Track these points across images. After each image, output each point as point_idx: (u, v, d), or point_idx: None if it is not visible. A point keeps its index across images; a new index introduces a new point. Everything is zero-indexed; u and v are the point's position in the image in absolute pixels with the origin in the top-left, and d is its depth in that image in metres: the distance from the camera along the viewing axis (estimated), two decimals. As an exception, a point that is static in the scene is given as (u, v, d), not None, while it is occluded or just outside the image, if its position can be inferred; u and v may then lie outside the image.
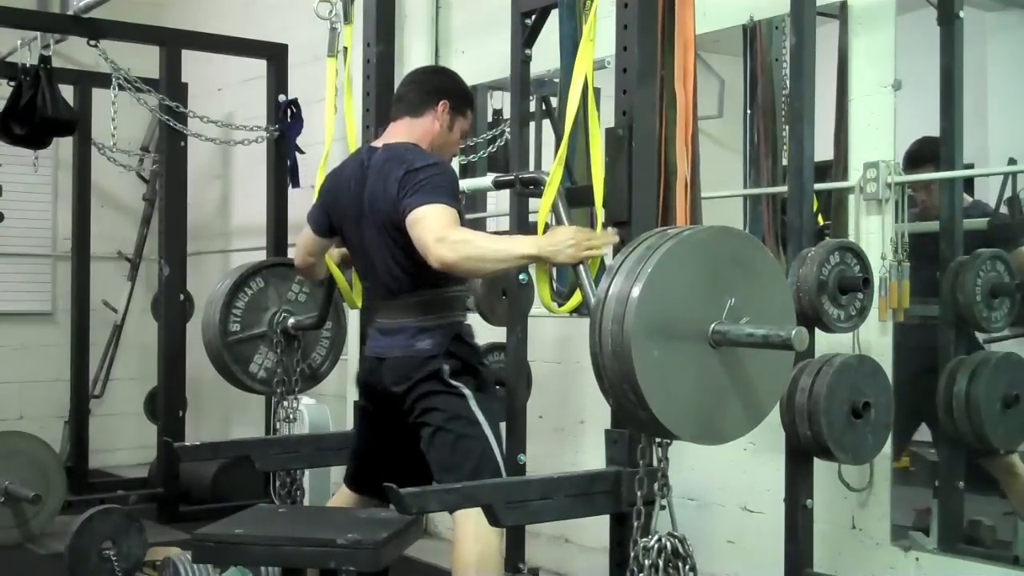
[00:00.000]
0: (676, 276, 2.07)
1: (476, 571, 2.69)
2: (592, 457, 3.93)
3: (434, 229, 2.61)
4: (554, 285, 2.90)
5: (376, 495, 2.98)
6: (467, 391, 2.82)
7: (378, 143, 2.93)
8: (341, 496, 3.15)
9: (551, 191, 2.61)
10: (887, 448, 3.07)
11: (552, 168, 2.62)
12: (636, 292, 2.02)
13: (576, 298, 2.68)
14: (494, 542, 2.73)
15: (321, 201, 3.06)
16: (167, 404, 5.16)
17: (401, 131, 2.91)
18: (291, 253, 4.88)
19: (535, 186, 2.72)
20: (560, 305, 2.85)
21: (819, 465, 2.99)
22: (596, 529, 3.40)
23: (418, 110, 2.91)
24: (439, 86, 2.95)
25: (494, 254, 2.60)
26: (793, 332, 2.00)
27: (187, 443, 3.43)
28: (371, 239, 2.85)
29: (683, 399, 2.08)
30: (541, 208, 2.65)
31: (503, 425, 3.63)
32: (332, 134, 3.40)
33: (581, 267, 2.53)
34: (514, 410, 3.56)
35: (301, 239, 3.16)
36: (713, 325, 2.08)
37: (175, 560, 3.57)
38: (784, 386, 2.44)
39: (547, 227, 2.65)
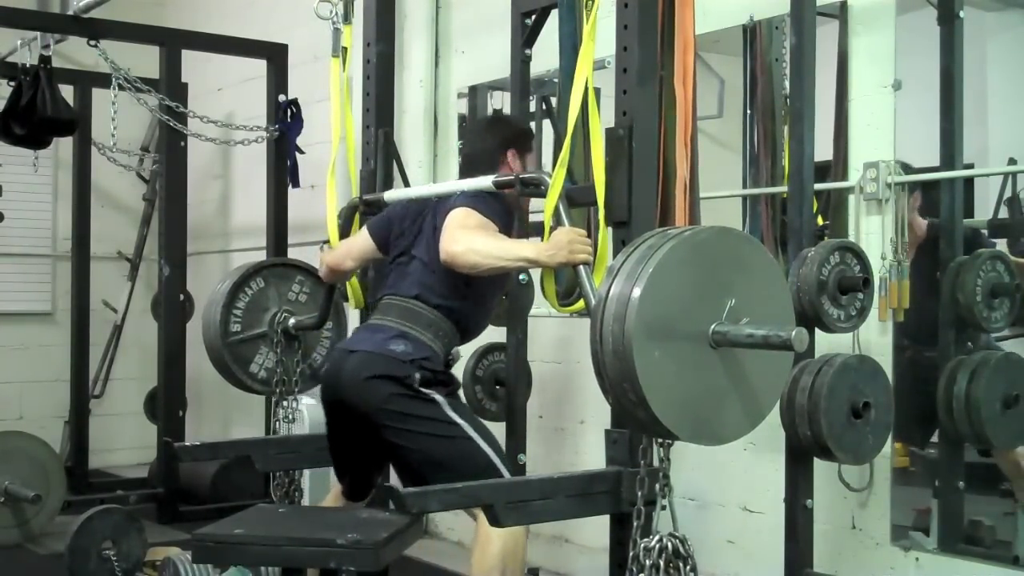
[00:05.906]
0: (677, 277, 2.07)
1: (500, 571, 2.71)
2: (592, 457, 3.93)
3: (454, 227, 2.74)
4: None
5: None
6: (439, 397, 2.83)
7: None
8: (334, 496, 3.16)
9: (554, 193, 2.61)
10: (887, 448, 3.08)
11: (555, 170, 2.62)
12: (637, 292, 2.02)
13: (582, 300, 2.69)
14: (521, 538, 2.77)
15: (389, 210, 3.17)
16: (167, 404, 5.15)
17: None
18: (292, 253, 4.92)
19: (536, 186, 2.72)
20: (565, 305, 2.86)
21: (819, 465, 2.99)
22: (596, 529, 3.40)
23: (492, 168, 2.98)
24: (501, 138, 3.04)
25: (497, 250, 2.68)
26: (793, 333, 2.00)
27: (187, 443, 3.44)
28: (425, 238, 2.95)
29: (682, 399, 2.07)
30: (545, 210, 2.66)
31: (502, 425, 3.65)
32: (339, 134, 3.40)
33: (581, 268, 2.53)
34: (514, 410, 3.56)
35: (351, 242, 3.23)
36: (713, 326, 2.08)
37: (175, 560, 3.57)
38: (783, 387, 2.44)
39: (552, 228, 2.66)
